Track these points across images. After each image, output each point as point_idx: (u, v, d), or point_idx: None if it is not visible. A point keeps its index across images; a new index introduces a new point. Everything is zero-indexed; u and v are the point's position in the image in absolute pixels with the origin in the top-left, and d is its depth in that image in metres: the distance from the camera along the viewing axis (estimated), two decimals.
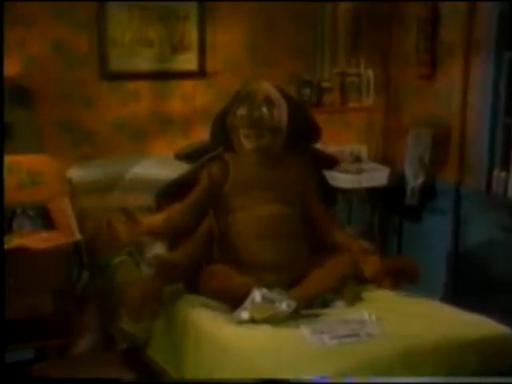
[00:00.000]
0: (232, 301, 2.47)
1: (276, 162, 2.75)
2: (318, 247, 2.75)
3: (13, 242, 2.81)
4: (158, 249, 2.95)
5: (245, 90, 2.70)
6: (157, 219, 2.73)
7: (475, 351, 2.24)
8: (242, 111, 2.65)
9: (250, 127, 2.64)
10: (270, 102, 2.66)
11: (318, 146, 2.97)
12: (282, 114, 2.70)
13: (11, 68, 2.97)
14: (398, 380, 2.07)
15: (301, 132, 2.79)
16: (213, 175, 2.72)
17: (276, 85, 2.78)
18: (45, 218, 3.04)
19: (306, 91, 3.60)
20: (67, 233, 2.95)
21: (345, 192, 3.53)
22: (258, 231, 2.64)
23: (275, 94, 2.71)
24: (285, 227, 2.68)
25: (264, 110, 2.64)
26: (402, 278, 2.61)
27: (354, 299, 2.60)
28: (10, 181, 3.04)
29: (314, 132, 2.85)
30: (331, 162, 3.01)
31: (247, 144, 2.68)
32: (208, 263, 2.66)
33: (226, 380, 2.18)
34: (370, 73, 3.71)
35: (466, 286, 3.43)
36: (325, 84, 3.66)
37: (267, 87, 2.72)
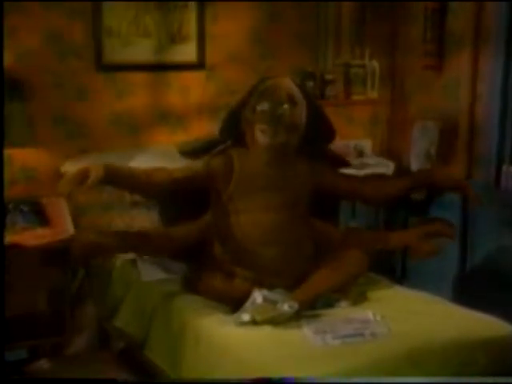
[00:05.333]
0: (232, 302, 2.43)
1: (286, 162, 2.68)
2: (324, 247, 2.69)
3: (6, 238, 2.74)
4: None
5: (265, 85, 2.64)
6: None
7: (484, 351, 2.22)
8: (263, 106, 2.59)
9: (269, 123, 2.57)
10: (291, 99, 2.61)
11: None
12: (302, 112, 2.65)
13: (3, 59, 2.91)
14: (401, 380, 2.04)
15: (316, 133, 2.73)
16: (211, 165, 2.65)
17: (297, 83, 2.73)
18: (39, 214, 2.98)
19: (309, 84, 3.54)
20: (62, 229, 2.91)
21: None
22: (261, 237, 2.57)
23: (297, 92, 2.65)
24: (290, 234, 2.61)
25: (286, 107, 2.58)
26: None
27: (359, 298, 2.56)
28: None
29: (328, 134, 2.79)
30: (342, 163, 2.95)
31: (262, 140, 2.60)
32: (209, 264, 2.61)
33: (224, 380, 2.15)
34: (375, 64, 3.67)
35: (475, 284, 3.37)
36: (328, 76, 3.62)
37: (289, 83, 2.66)
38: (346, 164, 2.96)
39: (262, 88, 2.63)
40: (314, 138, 2.74)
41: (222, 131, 2.72)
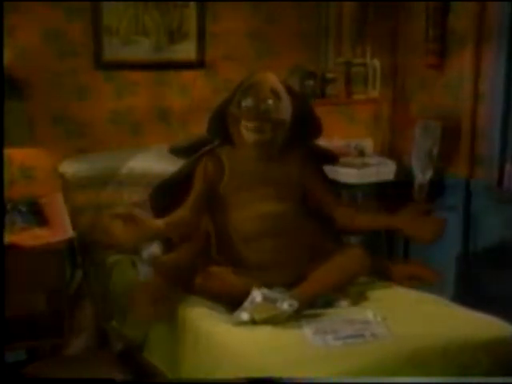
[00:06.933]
0: (231, 302, 2.42)
1: (275, 157, 2.69)
2: (323, 245, 2.69)
3: (4, 239, 2.72)
4: (155, 248, 2.90)
5: (249, 81, 2.64)
6: (159, 223, 2.57)
7: (486, 352, 2.19)
8: (247, 102, 2.59)
9: (254, 119, 2.57)
10: (276, 94, 2.61)
11: (322, 139, 2.90)
12: (286, 107, 2.65)
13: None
14: (402, 381, 2.02)
15: (303, 127, 2.73)
16: (208, 174, 2.66)
17: (280, 80, 2.72)
18: (37, 215, 2.97)
19: (310, 83, 3.53)
20: (60, 230, 2.89)
21: (349, 187, 3.45)
22: (256, 230, 2.57)
23: (280, 87, 2.66)
24: (285, 225, 2.61)
25: (270, 102, 2.59)
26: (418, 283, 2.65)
27: (359, 298, 2.54)
28: None
29: (315, 128, 2.79)
30: (331, 158, 2.95)
31: (248, 137, 2.61)
32: (206, 263, 2.59)
33: (224, 380, 2.14)
34: (377, 62, 3.65)
35: (477, 285, 3.35)
36: (329, 75, 3.59)
37: (273, 79, 2.67)
38: (335, 158, 2.95)
39: (247, 84, 2.63)
40: (301, 134, 2.73)
41: (210, 129, 2.72)
